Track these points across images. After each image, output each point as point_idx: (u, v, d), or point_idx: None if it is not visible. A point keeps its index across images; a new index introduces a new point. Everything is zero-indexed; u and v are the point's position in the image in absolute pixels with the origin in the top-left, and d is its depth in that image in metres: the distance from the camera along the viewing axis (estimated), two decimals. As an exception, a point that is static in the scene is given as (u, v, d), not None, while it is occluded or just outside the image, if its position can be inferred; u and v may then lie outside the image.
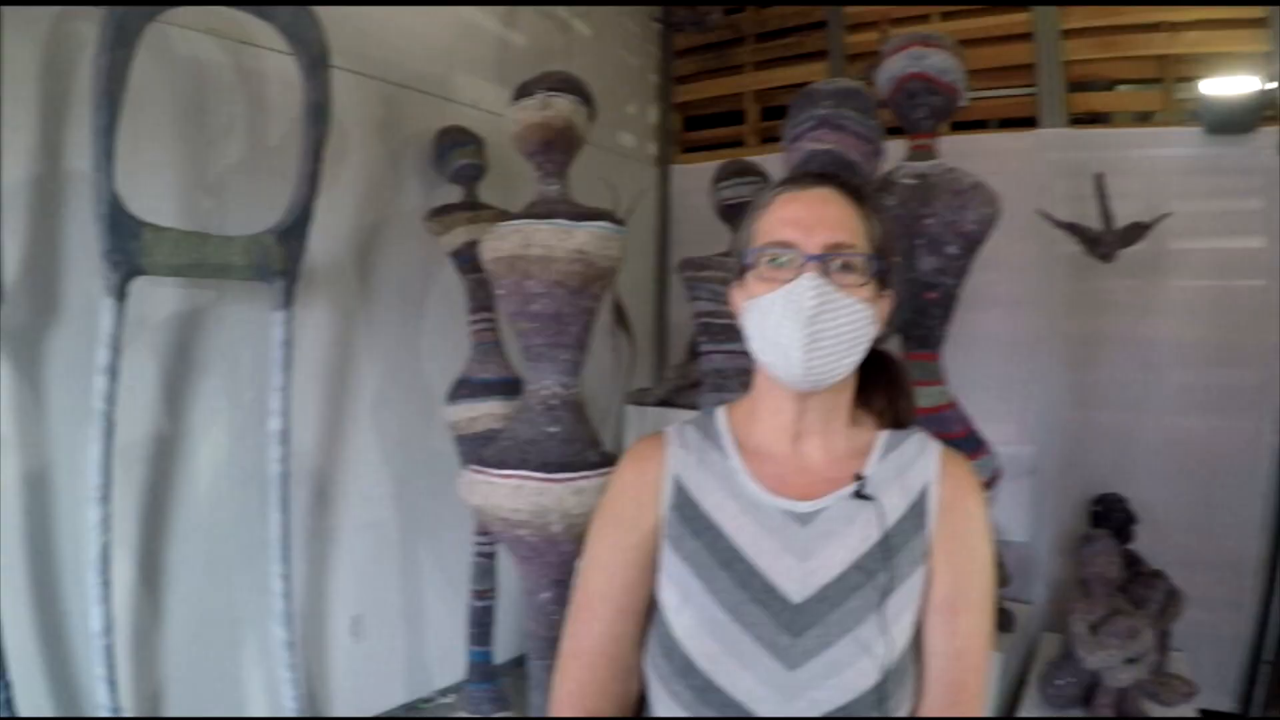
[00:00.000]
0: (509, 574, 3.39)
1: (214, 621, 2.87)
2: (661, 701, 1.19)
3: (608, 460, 2.56)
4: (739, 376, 3.01)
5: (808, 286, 1.12)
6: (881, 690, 1.10)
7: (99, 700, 2.30)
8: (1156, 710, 2.91)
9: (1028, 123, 4.10)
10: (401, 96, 3.45)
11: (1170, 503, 3.72)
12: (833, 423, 1.23)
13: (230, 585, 2.90)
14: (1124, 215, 3.45)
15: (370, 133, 3.34)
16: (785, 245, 1.15)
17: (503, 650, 3.65)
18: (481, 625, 3.33)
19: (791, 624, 1.13)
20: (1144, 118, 4.22)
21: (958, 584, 1.18)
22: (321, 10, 2.69)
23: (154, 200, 2.57)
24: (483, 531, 3.27)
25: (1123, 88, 4.31)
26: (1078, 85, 4.08)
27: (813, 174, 1.24)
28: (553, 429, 2.50)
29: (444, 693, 3.65)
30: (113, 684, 2.31)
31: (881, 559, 1.15)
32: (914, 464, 1.22)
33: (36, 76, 2.41)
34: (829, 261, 1.13)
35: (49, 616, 2.46)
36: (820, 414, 1.22)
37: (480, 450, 2.70)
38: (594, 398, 3.64)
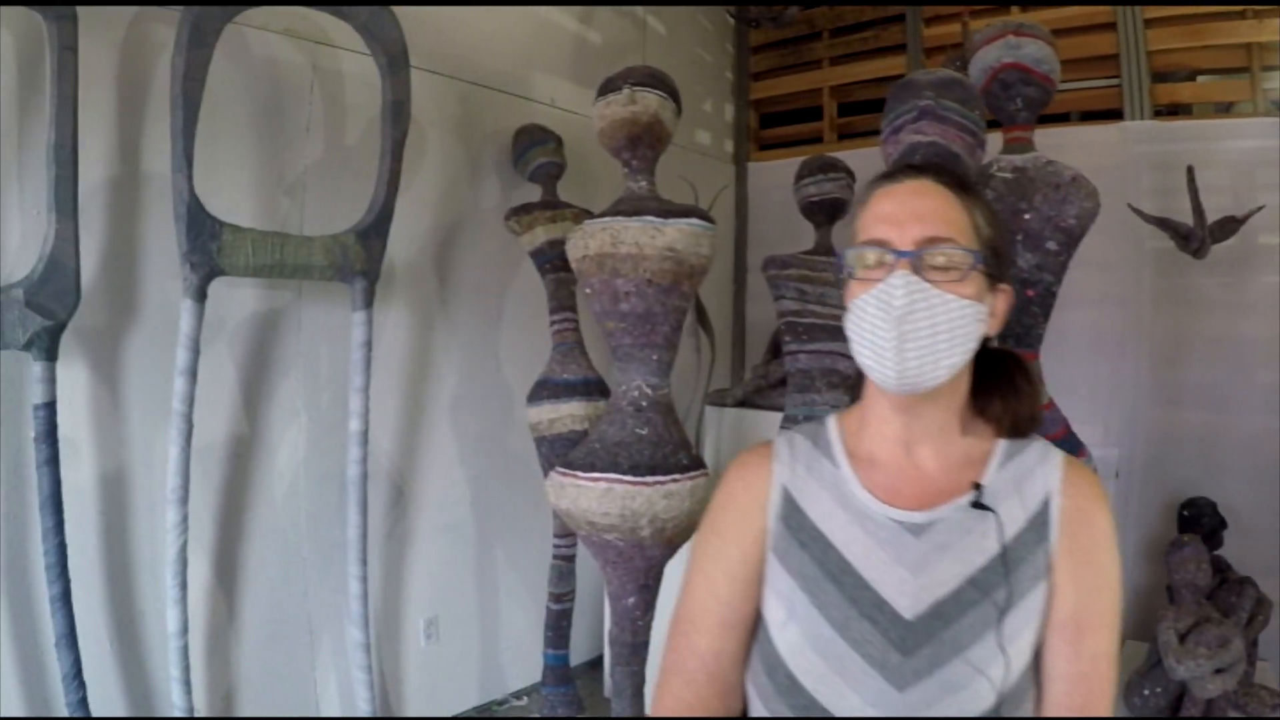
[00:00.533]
0: (584, 576, 3.35)
1: (289, 623, 2.85)
2: None
3: (698, 463, 2.50)
4: (824, 377, 2.97)
5: (898, 284, 1.05)
6: (997, 715, 1.03)
7: (173, 701, 2.31)
8: (1242, 722, 2.78)
9: (1110, 115, 3.92)
10: (479, 95, 3.41)
11: (1257, 507, 3.53)
12: (946, 429, 1.15)
13: (306, 587, 2.88)
14: (1210, 209, 3.29)
15: (448, 132, 3.29)
16: (878, 243, 1.08)
17: (576, 652, 3.59)
18: (558, 628, 3.28)
19: (902, 642, 1.05)
20: (1226, 108, 4.07)
21: (1082, 602, 1.08)
22: (399, 9, 2.66)
23: (233, 201, 2.58)
24: (562, 534, 3.22)
25: (1203, 78, 4.13)
26: (1159, 76, 3.91)
27: (910, 165, 1.17)
28: (642, 430, 2.44)
29: (518, 695, 3.60)
30: (187, 685, 2.32)
31: (1000, 574, 1.07)
32: (1034, 473, 1.14)
33: (114, 79, 2.39)
34: (923, 257, 1.06)
35: (124, 617, 2.45)
36: (931, 420, 1.14)
37: (565, 452, 2.67)
38: (674, 397, 3.58)
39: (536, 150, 3.27)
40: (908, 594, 1.06)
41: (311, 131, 2.85)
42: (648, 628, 2.54)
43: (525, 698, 3.57)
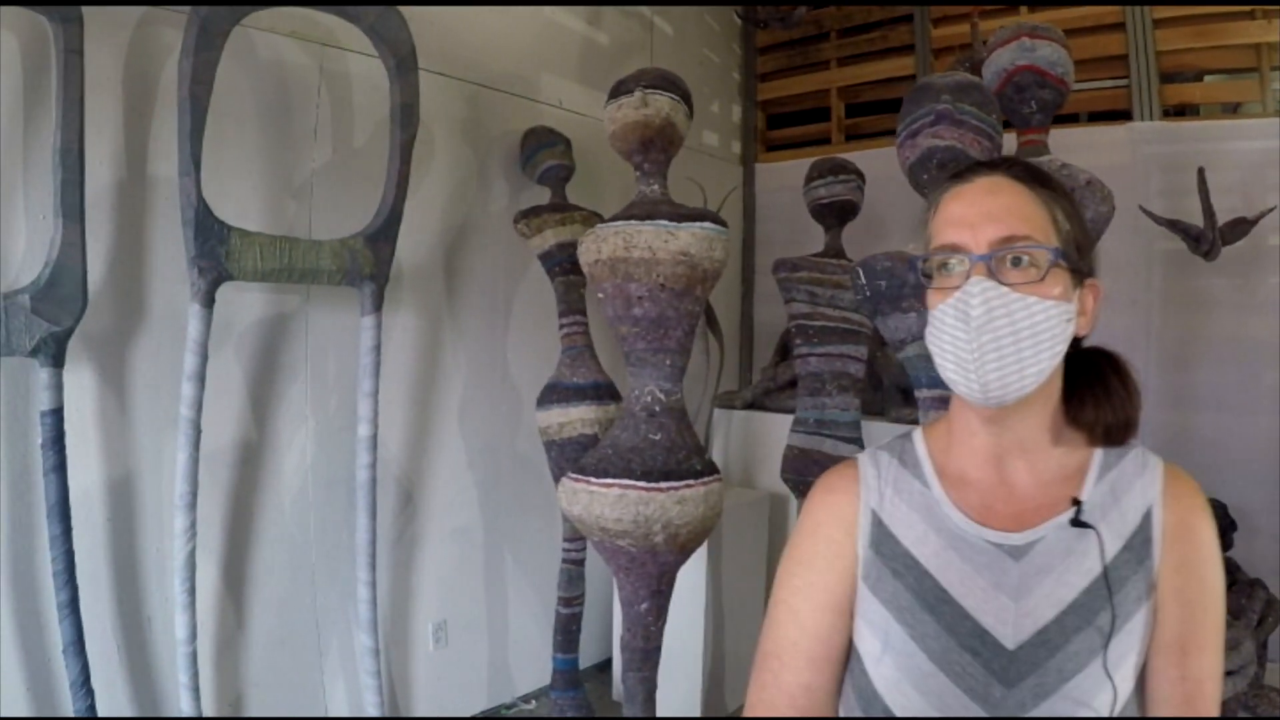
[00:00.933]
0: (593, 579, 3.34)
1: (297, 628, 2.85)
2: None
3: (711, 469, 2.48)
4: (835, 380, 2.99)
5: (975, 292, 0.98)
6: None
7: (182, 708, 2.31)
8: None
9: (1118, 115, 3.92)
10: (486, 97, 3.40)
11: (1267, 509, 3.52)
12: (1039, 441, 1.07)
13: (314, 592, 2.88)
14: (1220, 210, 3.27)
15: (456, 134, 3.29)
16: (952, 249, 1.02)
17: (584, 655, 3.59)
18: (568, 632, 3.26)
19: (1005, 673, 0.98)
20: (1234, 108, 4.07)
21: (1187, 621, 1.02)
22: (406, 11, 2.65)
23: (240, 205, 2.58)
24: (571, 538, 3.21)
25: (1211, 78, 4.14)
26: (1168, 76, 3.90)
27: (981, 163, 1.09)
28: (655, 436, 2.42)
29: (526, 699, 3.59)
30: (196, 691, 2.32)
31: (1103, 596, 0.99)
32: (1134, 484, 1.06)
33: (120, 82, 2.39)
34: (1000, 259, 0.99)
35: (132, 623, 2.44)
36: (1022, 432, 1.06)
37: (575, 456, 2.67)
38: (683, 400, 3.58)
39: (545, 152, 3.27)
40: (1009, 622, 1.00)
41: (319, 134, 2.84)
42: (660, 633, 2.53)
43: (534, 701, 3.56)
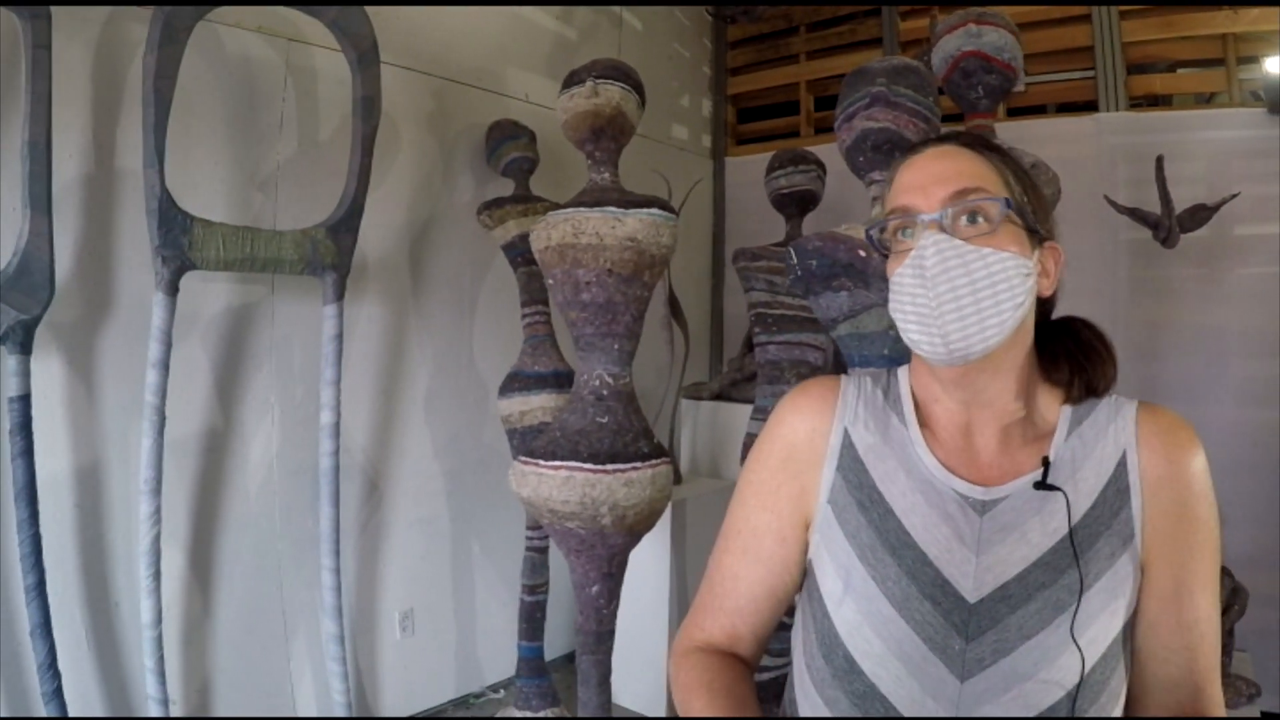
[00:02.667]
0: (560, 569, 3.38)
1: (264, 615, 2.89)
2: (809, 711, 1.09)
3: (659, 451, 2.53)
4: (794, 368, 3.01)
5: (927, 244, 1.00)
6: (1073, 707, 0.96)
7: (148, 692, 2.34)
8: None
9: (1086, 107, 4.01)
10: (452, 91, 3.46)
11: (1233, 498, 3.51)
12: (1009, 407, 1.07)
13: (280, 579, 2.92)
14: (1187, 200, 3.34)
15: (421, 127, 3.34)
16: (904, 211, 1.04)
17: (553, 646, 3.65)
18: (532, 620, 3.31)
19: (965, 626, 0.99)
20: (1205, 99, 4.14)
21: (1182, 565, 1.02)
22: (372, 6, 2.72)
23: (206, 197, 2.64)
24: (534, 525, 3.25)
25: (1183, 70, 4.20)
26: (1137, 67, 4.00)
27: (933, 137, 1.14)
28: (603, 419, 2.46)
29: (495, 688, 3.65)
30: (162, 675, 2.36)
31: (1069, 557, 0.99)
32: (1106, 432, 1.06)
33: (88, 77, 2.44)
34: (954, 215, 1.01)
35: (99, 608, 2.50)
36: (991, 394, 1.06)
37: (530, 442, 2.67)
38: (649, 392, 3.64)
39: (509, 145, 3.32)
40: (970, 575, 1.00)
41: (285, 128, 2.90)
42: (613, 616, 2.57)
43: (502, 690, 3.62)
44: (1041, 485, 1.02)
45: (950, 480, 1.05)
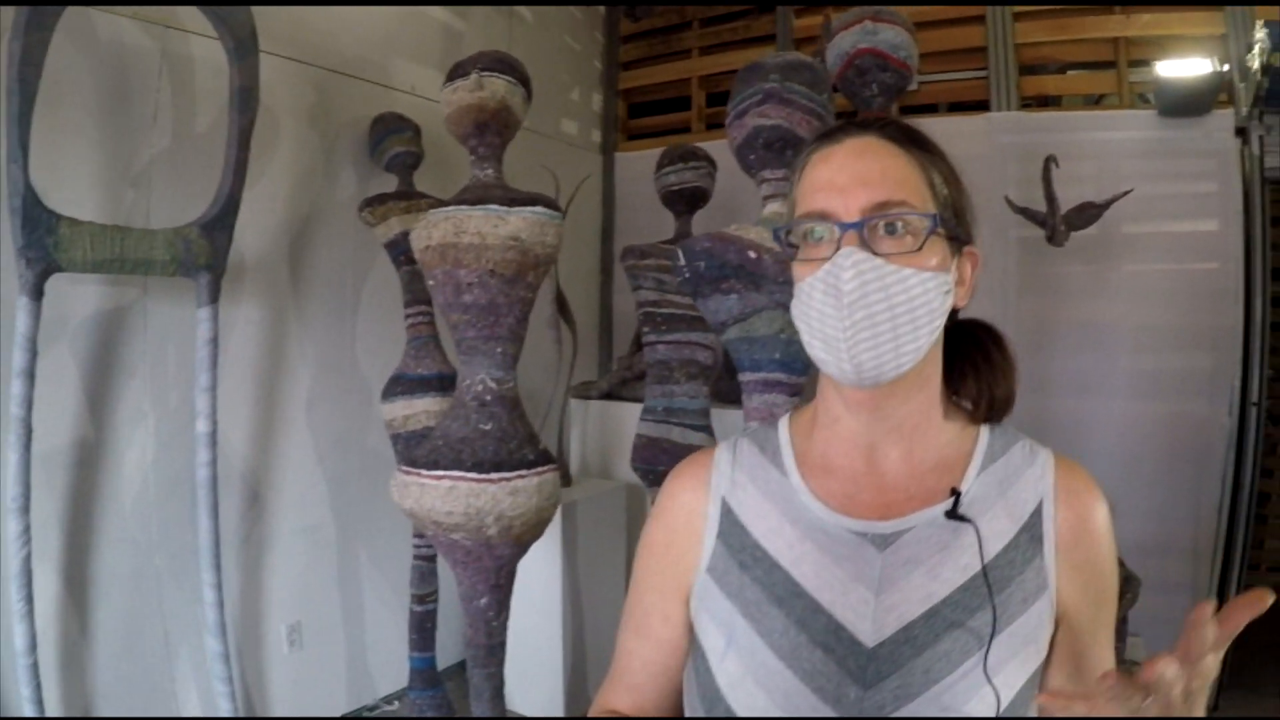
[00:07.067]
0: (450, 577, 3.39)
1: (145, 634, 2.84)
2: None
3: (545, 458, 2.54)
4: (683, 368, 3.05)
5: (845, 264, 0.92)
6: None
7: None
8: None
9: (979, 106, 4.15)
10: (336, 82, 3.44)
11: (1125, 489, 3.76)
12: (918, 427, 1.03)
13: (161, 596, 2.87)
14: (1075, 199, 3.48)
15: (302, 120, 3.32)
16: (820, 216, 0.95)
17: (447, 655, 3.67)
18: (423, 631, 3.32)
19: (862, 673, 0.94)
20: (1097, 100, 4.33)
21: (1094, 621, 1.01)
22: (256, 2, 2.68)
23: (74, 193, 2.56)
24: (421, 534, 3.25)
25: (1074, 71, 4.38)
26: (1029, 68, 4.16)
27: (853, 122, 1.02)
28: (486, 426, 2.46)
29: (388, 699, 3.64)
30: (39, 704, 2.31)
31: (983, 595, 0.95)
32: (1022, 475, 1.03)
33: None
34: (873, 227, 0.93)
35: None
36: (899, 418, 1.02)
37: (413, 450, 2.66)
38: (537, 391, 3.67)
39: (392, 139, 3.32)
40: (868, 617, 0.96)
41: (159, 119, 2.84)
42: (503, 628, 2.58)
43: (396, 702, 3.61)
44: (953, 515, 0.98)
45: (842, 521, 1.01)
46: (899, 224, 0.93)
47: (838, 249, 0.93)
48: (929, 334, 0.95)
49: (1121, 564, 3.14)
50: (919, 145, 0.99)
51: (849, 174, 0.95)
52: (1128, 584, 3.15)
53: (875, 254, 0.92)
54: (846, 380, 0.96)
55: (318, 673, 3.42)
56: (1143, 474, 3.81)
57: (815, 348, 0.97)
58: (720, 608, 1.02)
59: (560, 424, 3.78)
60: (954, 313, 1.02)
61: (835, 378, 0.98)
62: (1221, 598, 3.67)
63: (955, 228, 0.99)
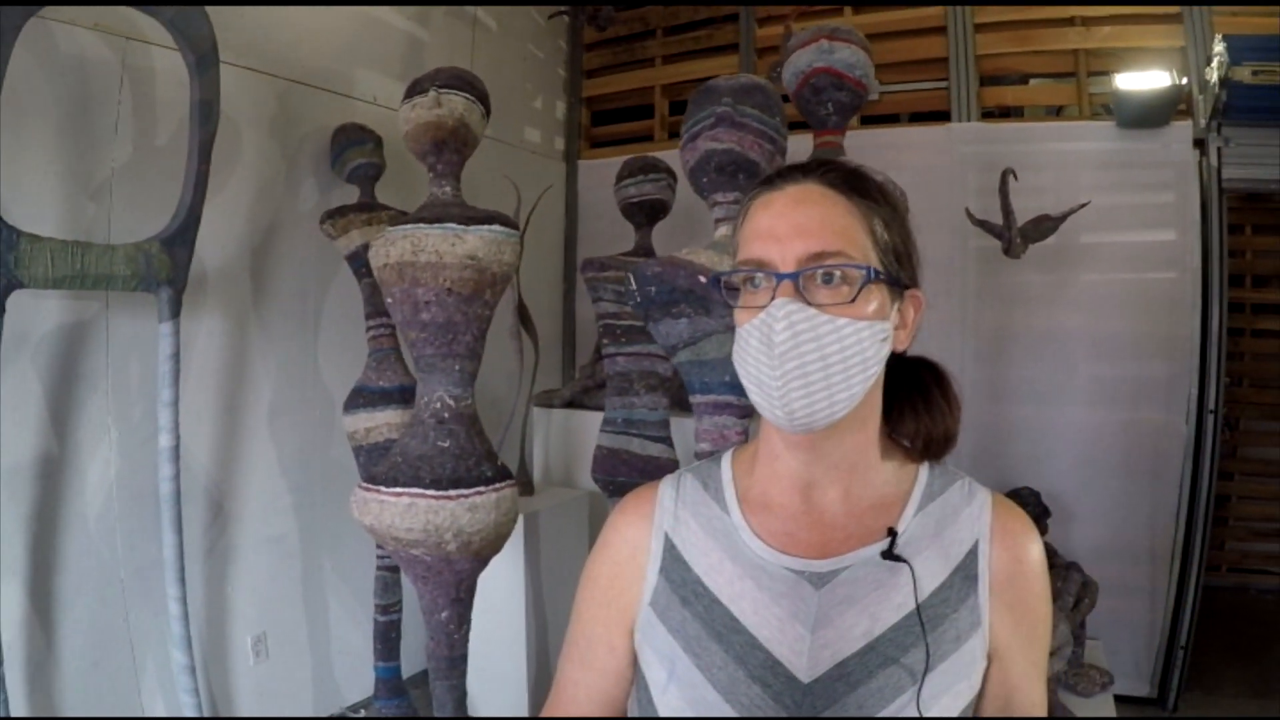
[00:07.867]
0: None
1: (110, 648, 2.83)
2: None
3: (504, 474, 2.56)
4: (643, 379, 3.08)
5: (778, 315, 0.94)
6: None
7: None
8: (1074, 700, 2.98)
9: (940, 116, 4.20)
10: (297, 92, 3.43)
11: (1081, 494, 3.86)
12: (856, 467, 1.05)
13: (126, 609, 2.87)
14: (1033, 209, 3.52)
15: (263, 131, 3.30)
16: (758, 264, 0.98)
17: (412, 664, 3.68)
18: (387, 640, 3.34)
19: (798, 707, 0.97)
20: (1057, 112, 4.38)
21: (1026, 659, 1.04)
22: (214, 5, 2.66)
23: (34, 207, 2.55)
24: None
25: (1035, 81, 4.44)
26: (990, 79, 4.22)
27: (795, 166, 1.04)
28: (444, 443, 2.48)
29: (354, 709, 3.65)
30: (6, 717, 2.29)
31: (916, 633, 0.98)
32: (959, 515, 1.06)
33: None
34: (809, 277, 0.95)
35: None
36: (836, 458, 1.04)
37: (373, 465, 2.67)
38: (499, 400, 3.69)
39: (354, 150, 3.31)
40: (804, 654, 0.98)
41: (120, 132, 2.82)
42: (464, 640, 2.60)
43: (362, 711, 3.62)
44: (889, 555, 1.01)
45: (780, 559, 1.03)
46: (836, 274, 0.95)
47: (774, 298, 0.95)
48: (863, 381, 0.96)
49: (1079, 570, 3.22)
50: (860, 193, 1.00)
51: (787, 223, 0.97)
52: (1085, 590, 3.21)
53: (810, 304, 0.94)
54: (780, 425, 0.98)
55: (283, 683, 3.43)
56: (1101, 480, 3.88)
57: (752, 392, 1.00)
58: (662, 641, 1.05)
59: (523, 433, 3.80)
60: (897, 352, 1.04)
61: (771, 423, 1.00)
62: (1179, 601, 3.77)
63: (897, 273, 1.01)
